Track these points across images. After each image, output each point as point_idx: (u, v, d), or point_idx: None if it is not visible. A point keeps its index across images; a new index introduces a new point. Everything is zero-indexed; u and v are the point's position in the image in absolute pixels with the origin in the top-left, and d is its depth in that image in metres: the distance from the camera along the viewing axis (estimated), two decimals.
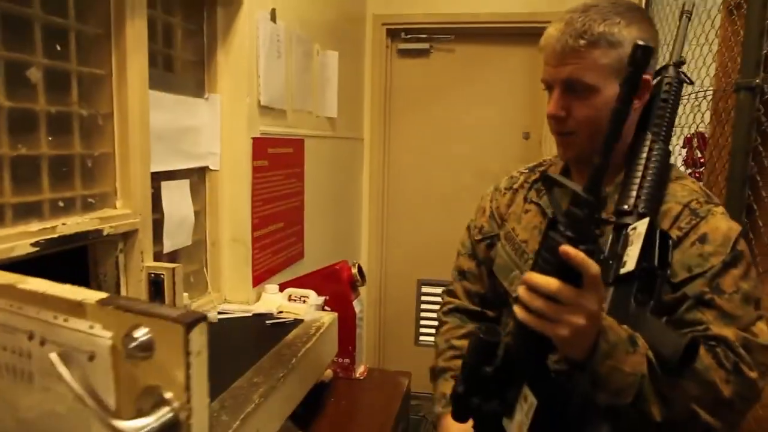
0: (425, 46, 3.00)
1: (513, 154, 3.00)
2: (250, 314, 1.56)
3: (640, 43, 0.69)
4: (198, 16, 1.57)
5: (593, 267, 0.69)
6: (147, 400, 0.67)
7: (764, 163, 1.38)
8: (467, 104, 3.04)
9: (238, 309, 1.60)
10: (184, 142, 1.49)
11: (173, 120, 1.43)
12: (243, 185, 1.65)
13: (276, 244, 1.84)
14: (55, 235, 1.04)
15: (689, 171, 2.03)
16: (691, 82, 0.98)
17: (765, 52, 1.35)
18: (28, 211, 1.03)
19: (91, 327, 0.71)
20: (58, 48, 1.09)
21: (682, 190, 0.93)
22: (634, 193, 0.88)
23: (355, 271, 1.72)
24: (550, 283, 0.70)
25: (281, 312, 1.55)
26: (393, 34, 3.03)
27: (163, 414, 0.65)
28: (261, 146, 1.69)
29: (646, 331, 0.79)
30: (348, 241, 2.89)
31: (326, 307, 1.65)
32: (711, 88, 1.76)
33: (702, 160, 1.93)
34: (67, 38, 1.11)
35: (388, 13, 2.97)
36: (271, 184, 1.78)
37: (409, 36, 3.02)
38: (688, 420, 0.79)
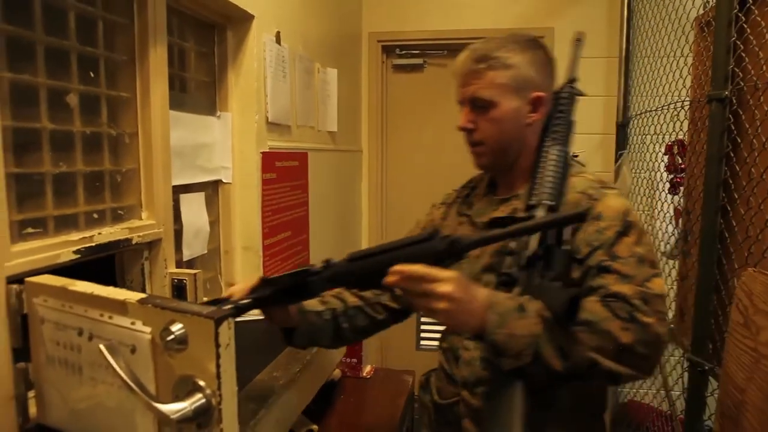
0: (419, 61, 3.14)
1: None
2: (263, 317, 1.65)
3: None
4: (209, 40, 1.69)
5: (418, 268, 0.87)
6: (182, 388, 0.78)
7: (736, 168, 1.50)
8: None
9: (251, 313, 1.69)
10: (199, 157, 1.60)
11: (189, 137, 1.54)
12: (253, 197, 1.75)
13: (284, 251, 1.95)
14: (93, 244, 1.14)
15: (671, 176, 2.15)
16: (583, 94, 1.13)
17: (732, 66, 1.47)
18: (67, 223, 1.13)
19: (133, 323, 0.82)
20: (91, 75, 1.20)
21: (581, 182, 1.06)
22: (538, 189, 1.01)
23: None
24: (412, 268, 0.88)
25: None
26: (388, 50, 3.16)
27: (196, 400, 0.75)
28: (269, 160, 1.80)
29: (543, 295, 0.90)
30: (349, 248, 2.98)
31: None
32: (688, 99, 1.89)
33: (683, 166, 2.05)
34: (98, 65, 1.22)
35: (383, 30, 3.10)
36: (279, 195, 1.89)
37: (403, 52, 3.15)
38: (589, 368, 0.88)
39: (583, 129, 2.99)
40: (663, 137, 2.21)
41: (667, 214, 2.15)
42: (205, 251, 1.63)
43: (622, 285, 0.91)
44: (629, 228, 0.97)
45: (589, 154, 3.01)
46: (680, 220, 1.99)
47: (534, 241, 0.96)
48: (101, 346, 0.79)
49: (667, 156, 2.17)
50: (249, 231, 1.77)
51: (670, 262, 2.15)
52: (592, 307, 0.90)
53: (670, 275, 2.16)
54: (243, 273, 1.78)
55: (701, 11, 1.80)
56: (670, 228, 2.10)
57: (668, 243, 2.13)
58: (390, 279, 0.88)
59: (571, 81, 1.13)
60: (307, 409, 1.41)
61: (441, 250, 0.89)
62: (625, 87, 2.84)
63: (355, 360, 1.84)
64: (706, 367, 1.54)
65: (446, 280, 0.87)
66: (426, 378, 1.23)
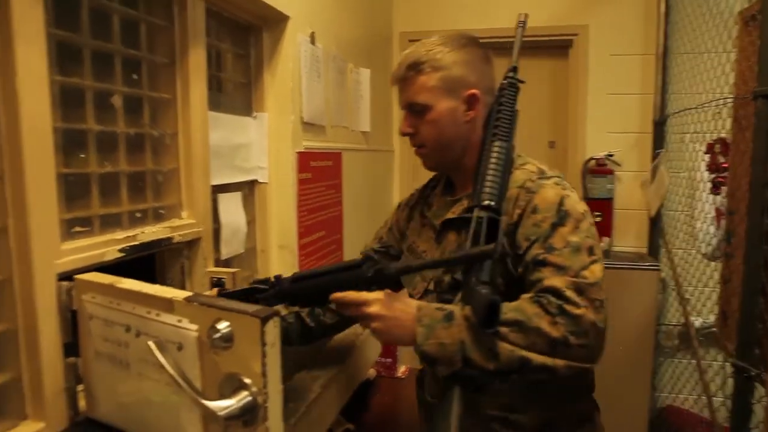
0: None
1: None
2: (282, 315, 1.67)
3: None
4: (245, 41, 1.71)
5: (348, 294, 0.98)
6: (228, 386, 0.79)
7: None
8: None
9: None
10: (236, 157, 1.62)
11: (227, 138, 1.56)
12: (289, 196, 1.77)
13: (319, 251, 1.96)
14: (137, 243, 1.17)
15: (713, 176, 2.10)
16: (522, 82, 1.10)
17: None
18: (111, 222, 1.16)
19: (180, 321, 0.84)
20: (134, 77, 1.22)
21: (521, 175, 1.05)
22: (479, 189, 1.01)
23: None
24: (344, 295, 0.99)
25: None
26: None
27: (243, 397, 0.76)
28: (305, 160, 1.81)
29: (472, 301, 0.91)
30: None
31: None
32: (731, 96, 1.84)
33: (725, 165, 2.00)
34: (140, 68, 1.25)
35: (413, 30, 3.10)
36: (314, 195, 1.91)
37: None
38: (522, 366, 0.89)
39: (618, 128, 2.96)
40: (704, 136, 2.16)
41: (709, 215, 2.09)
42: (242, 250, 1.65)
43: (556, 277, 0.92)
44: (564, 218, 0.97)
45: (625, 153, 2.95)
46: (722, 221, 1.93)
47: (468, 241, 0.97)
48: (150, 343, 0.80)
49: (708, 155, 2.11)
50: (285, 230, 1.78)
51: (712, 264, 2.10)
52: (521, 306, 0.91)
53: (712, 277, 2.10)
54: (279, 272, 1.79)
55: (746, 5, 1.75)
56: (712, 229, 2.05)
57: (709, 244, 2.07)
58: (331, 304, 1.02)
59: (512, 70, 1.11)
60: (343, 409, 1.42)
61: (368, 278, 0.99)
62: (662, 84, 2.78)
63: (390, 360, 1.84)
64: (753, 373, 1.49)
65: (372, 302, 0.96)
66: (420, 376, 1.25)
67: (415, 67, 1.08)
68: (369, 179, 2.69)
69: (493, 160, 1.02)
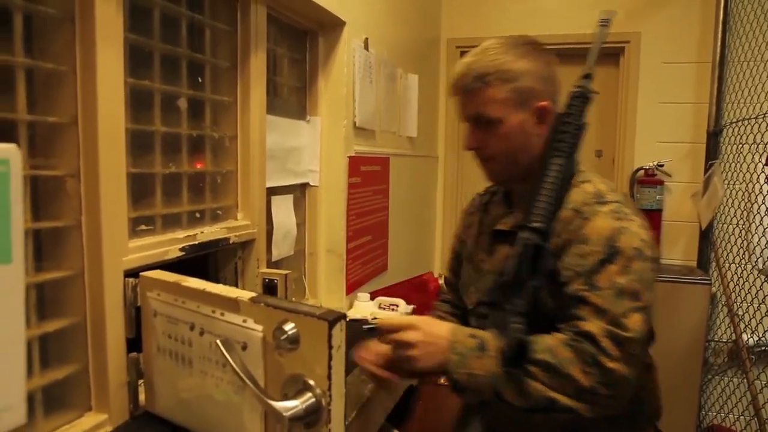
0: None
1: None
2: (347, 320, 1.68)
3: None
4: (302, 46, 1.73)
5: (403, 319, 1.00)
6: (291, 387, 0.79)
7: None
8: None
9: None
10: (289, 160, 1.64)
11: (281, 141, 1.58)
12: (339, 200, 1.78)
13: (365, 255, 1.97)
14: (196, 242, 1.19)
15: None
16: (595, 92, 1.01)
17: None
18: (172, 221, 1.19)
19: (245, 321, 0.85)
20: (199, 80, 1.25)
21: (577, 195, 0.98)
22: (531, 208, 0.96)
23: (441, 281, 1.82)
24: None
25: (375, 318, 1.66)
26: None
27: (307, 398, 0.76)
28: (355, 164, 1.82)
29: (504, 334, 0.89)
30: (423, 254, 2.99)
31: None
32: None
33: None
34: (204, 71, 1.28)
35: (460, 36, 3.09)
36: (363, 199, 1.91)
37: None
38: (549, 406, 0.87)
39: (669, 137, 2.89)
40: (764, 147, 2.08)
41: (767, 230, 2.02)
42: (292, 252, 1.67)
43: (594, 322, 0.88)
44: (614, 255, 0.91)
45: (676, 164, 2.88)
46: None
47: (510, 268, 0.93)
48: (218, 342, 0.82)
49: None
50: (333, 234, 1.80)
51: None
52: (555, 348, 0.88)
53: None
54: (326, 275, 1.81)
55: None
56: None
57: (767, 260, 2.00)
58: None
59: (585, 77, 1.02)
60: (389, 414, 1.42)
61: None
62: (718, 93, 2.70)
63: None
64: None
65: (410, 327, 0.96)
66: None
67: (482, 79, 1.00)
68: (414, 185, 2.69)
69: (548, 179, 0.97)
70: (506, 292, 0.93)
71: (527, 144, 1.03)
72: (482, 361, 0.91)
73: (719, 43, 2.67)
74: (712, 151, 2.73)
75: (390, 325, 0.99)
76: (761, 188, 2.07)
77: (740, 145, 2.42)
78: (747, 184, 2.28)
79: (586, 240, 0.93)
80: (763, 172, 2.06)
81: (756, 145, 2.17)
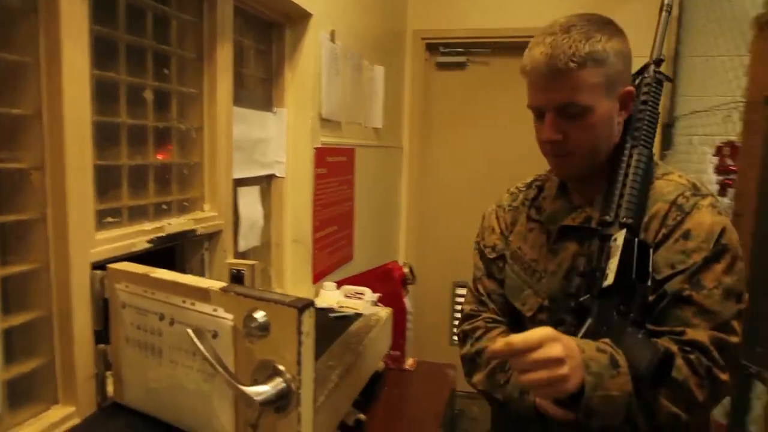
0: (462, 59, 3.14)
1: (547, 164, 3.10)
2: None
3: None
4: (268, 38, 1.74)
5: (535, 333, 0.76)
6: (261, 373, 0.82)
7: None
8: (503, 114, 3.16)
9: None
10: (256, 152, 1.65)
11: (248, 132, 1.59)
12: (305, 191, 1.80)
13: (331, 245, 1.99)
14: (164, 234, 1.20)
15: (720, 178, 2.13)
16: (670, 80, 0.96)
17: None
18: (139, 213, 1.19)
19: (215, 310, 0.87)
20: (165, 72, 1.25)
21: (668, 186, 0.92)
22: (615, 203, 0.90)
23: (407, 270, 1.86)
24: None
25: (342, 307, 1.69)
26: (431, 48, 3.17)
27: (277, 383, 0.79)
28: (321, 155, 1.84)
29: (626, 344, 0.81)
30: (388, 244, 3.03)
31: (379, 304, 1.79)
32: (743, 100, 1.86)
33: (733, 168, 2.03)
34: (170, 63, 1.27)
35: (427, 28, 3.12)
36: (329, 190, 1.94)
37: (446, 50, 3.16)
38: (671, 422, 0.82)
39: None
40: (713, 138, 2.19)
41: None
42: (259, 243, 1.68)
43: (701, 329, 0.83)
44: (721, 253, 0.85)
45: None
46: None
47: (612, 271, 0.84)
48: (189, 331, 0.83)
49: (716, 157, 2.15)
50: (299, 224, 1.81)
51: None
52: (677, 362, 0.82)
53: None
54: (293, 265, 1.83)
55: (762, 10, 1.77)
56: None
57: None
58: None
59: (657, 63, 0.96)
60: (354, 400, 1.45)
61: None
62: (672, 88, 2.80)
63: (398, 352, 1.87)
64: (752, 371, 1.53)
65: (548, 342, 0.76)
66: None
67: (576, 59, 0.86)
68: (379, 175, 2.72)
69: (633, 170, 0.90)
70: (603, 296, 0.85)
71: (611, 134, 0.93)
72: (618, 380, 0.79)
73: (673, 39, 2.77)
74: (666, 142, 2.84)
75: (525, 342, 0.75)
76: (710, 178, 2.18)
77: (691, 137, 2.53)
78: (697, 174, 2.39)
79: (689, 235, 0.86)
80: (711, 162, 2.16)
81: (705, 137, 2.28)
